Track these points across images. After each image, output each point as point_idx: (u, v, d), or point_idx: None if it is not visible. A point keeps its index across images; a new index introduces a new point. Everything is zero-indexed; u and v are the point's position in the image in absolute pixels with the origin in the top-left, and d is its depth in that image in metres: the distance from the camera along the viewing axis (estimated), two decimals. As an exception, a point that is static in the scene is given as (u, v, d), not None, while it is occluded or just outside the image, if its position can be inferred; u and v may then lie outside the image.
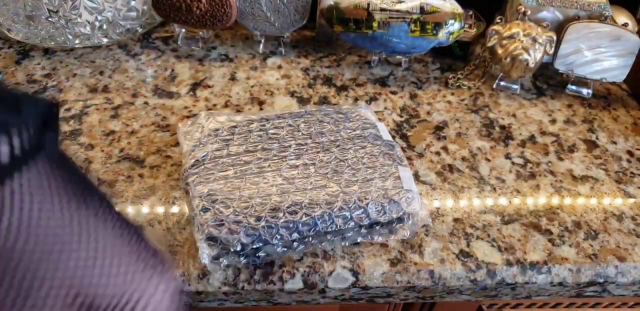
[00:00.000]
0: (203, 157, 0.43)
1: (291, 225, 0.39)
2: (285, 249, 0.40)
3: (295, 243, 0.40)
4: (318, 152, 0.45)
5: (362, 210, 0.40)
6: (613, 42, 0.55)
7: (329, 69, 0.61)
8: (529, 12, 0.57)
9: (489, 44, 0.58)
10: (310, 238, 0.40)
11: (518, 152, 0.51)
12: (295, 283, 0.39)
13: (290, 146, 0.45)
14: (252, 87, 0.57)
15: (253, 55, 0.62)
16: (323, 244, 0.41)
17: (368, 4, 0.55)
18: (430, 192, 0.47)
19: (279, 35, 0.62)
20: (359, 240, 0.41)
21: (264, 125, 0.47)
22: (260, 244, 0.38)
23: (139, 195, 0.45)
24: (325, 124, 0.47)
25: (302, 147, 0.45)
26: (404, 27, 0.55)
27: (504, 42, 0.56)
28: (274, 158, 0.44)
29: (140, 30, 0.62)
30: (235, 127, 0.46)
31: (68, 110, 0.53)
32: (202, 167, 0.43)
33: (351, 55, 0.63)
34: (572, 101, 0.59)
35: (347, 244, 0.41)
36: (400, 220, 0.41)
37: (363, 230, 0.41)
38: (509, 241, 0.43)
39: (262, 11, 0.59)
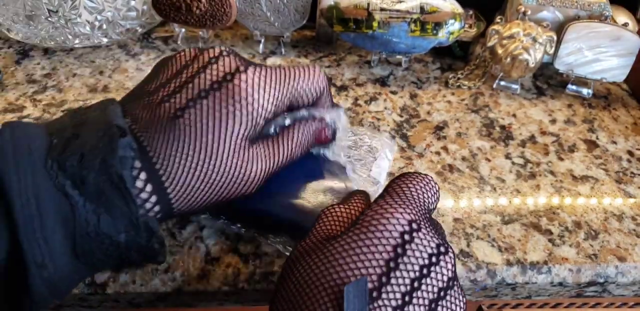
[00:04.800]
0: None
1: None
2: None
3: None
4: None
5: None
6: (613, 42, 0.55)
7: (329, 69, 0.61)
8: (529, 12, 0.57)
9: (489, 44, 0.58)
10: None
11: (518, 152, 0.51)
12: (295, 283, 0.39)
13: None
14: (252, 86, 0.57)
15: (253, 55, 0.62)
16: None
17: (368, 4, 0.55)
18: (430, 191, 0.47)
19: (279, 35, 0.62)
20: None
21: None
22: None
23: (139, 195, 0.44)
24: None
25: None
26: (404, 27, 0.55)
27: (504, 41, 0.56)
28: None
29: (140, 30, 0.62)
30: None
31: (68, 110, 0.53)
32: None
33: (351, 55, 0.63)
34: (573, 101, 0.59)
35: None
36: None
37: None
38: (509, 242, 0.43)
39: (262, 11, 0.59)
